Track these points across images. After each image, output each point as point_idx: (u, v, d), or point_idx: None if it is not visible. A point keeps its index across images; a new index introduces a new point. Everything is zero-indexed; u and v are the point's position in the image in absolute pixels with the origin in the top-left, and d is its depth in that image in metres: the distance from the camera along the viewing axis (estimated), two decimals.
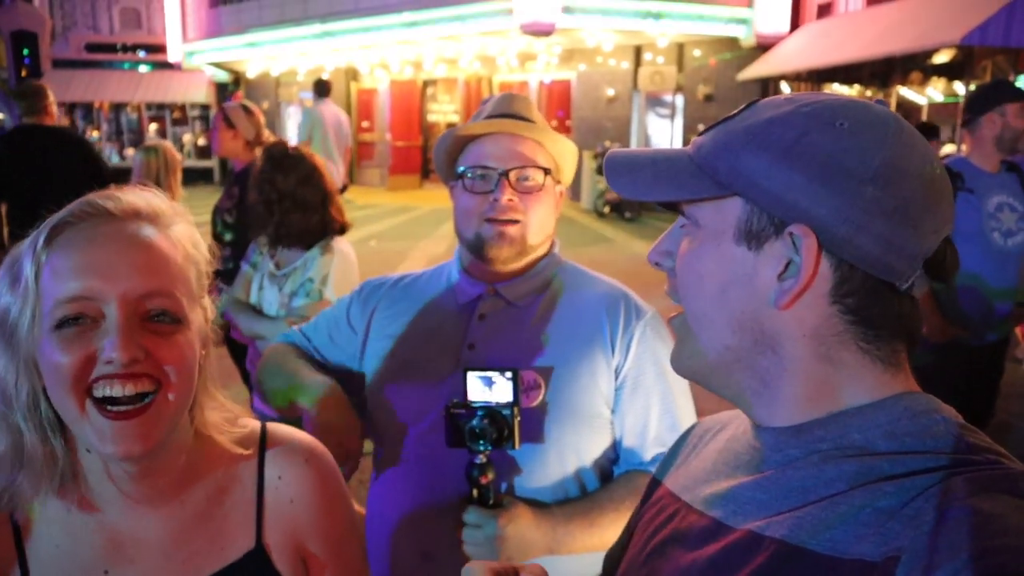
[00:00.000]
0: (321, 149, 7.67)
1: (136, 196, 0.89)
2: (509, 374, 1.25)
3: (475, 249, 1.43)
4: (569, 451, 1.36)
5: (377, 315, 1.53)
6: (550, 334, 1.40)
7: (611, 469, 1.42)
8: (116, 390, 0.81)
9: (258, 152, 3.28)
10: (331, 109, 8.37)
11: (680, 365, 0.80)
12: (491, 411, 1.24)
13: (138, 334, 0.82)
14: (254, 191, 2.68)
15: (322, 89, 8.41)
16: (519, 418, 1.26)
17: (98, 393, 0.81)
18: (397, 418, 1.43)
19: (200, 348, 0.91)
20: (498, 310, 1.43)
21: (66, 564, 0.90)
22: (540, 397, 1.35)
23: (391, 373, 1.46)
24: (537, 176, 1.41)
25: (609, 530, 1.29)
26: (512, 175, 1.39)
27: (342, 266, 2.66)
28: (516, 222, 1.40)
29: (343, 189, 8.30)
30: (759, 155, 0.69)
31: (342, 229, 2.75)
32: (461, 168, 1.44)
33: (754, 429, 0.77)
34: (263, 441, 1.02)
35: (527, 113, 1.45)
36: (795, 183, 0.67)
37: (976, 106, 3.11)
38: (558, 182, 1.49)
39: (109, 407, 0.81)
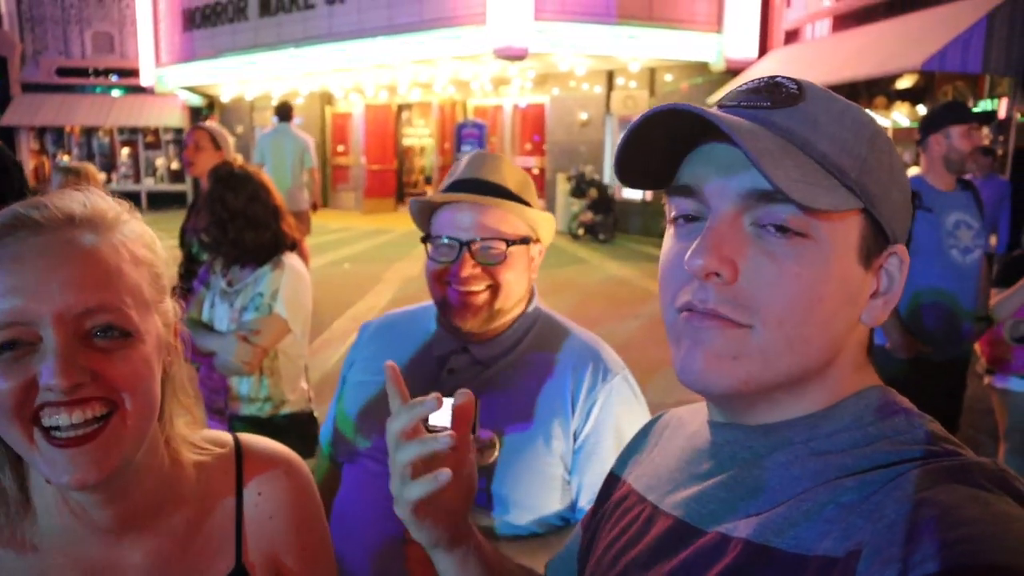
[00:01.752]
0: (281, 173, 7.65)
1: (70, 200, 0.80)
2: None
3: (442, 311, 1.43)
4: (522, 509, 1.36)
5: (357, 363, 1.56)
6: (512, 394, 1.40)
7: (559, 523, 1.41)
8: (63, 419, 0.73)
9: None
10: (291, 132, 8.20)
11: (722, 380, 0.68)
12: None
13: (81, 356, 0.74)
14: (205, 213, 2.68)
15: (284, 113, 8.35)
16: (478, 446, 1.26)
17: (46, 422, 0.74)
18: (366, 462, 1.43)
19: (160, 358, 0.83)
20: (466, 367, 1.43)
21: None
22: (495, 455, 1.35)
23: (362, 420, 1.47)
24: (499, 247, 1.39)
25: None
26: (474, 247, 1.38)
27: (292, 281, 2.67)
28: (481, 291, 1.38)
29: (313, 209, 8.30)
30: (879, 169, 0.69)
31: (293, 245, 2.77)
32: (431, 234, 1.43)
33: (713, 426, 0.77)
34: (239, 456, 0.98)
35: (495, 178, 1.42)
36: (899, 205, 0.71)
37: (925, 127, 3.23)
38: (537, 241, 1.47)
39: (57, 435, 0.74)
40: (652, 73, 15.15)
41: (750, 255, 0.66)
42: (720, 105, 0.73)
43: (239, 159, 3.98)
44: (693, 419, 0.85)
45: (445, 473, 0.79)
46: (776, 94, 0.69)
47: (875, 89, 11.26)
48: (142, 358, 0.79)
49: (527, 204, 1.44)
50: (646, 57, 13.92)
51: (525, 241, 1.43)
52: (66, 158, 21.84)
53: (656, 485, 0.82)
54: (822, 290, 0.66)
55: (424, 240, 1.45)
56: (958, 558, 0.53)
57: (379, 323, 1.62)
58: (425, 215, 1.46)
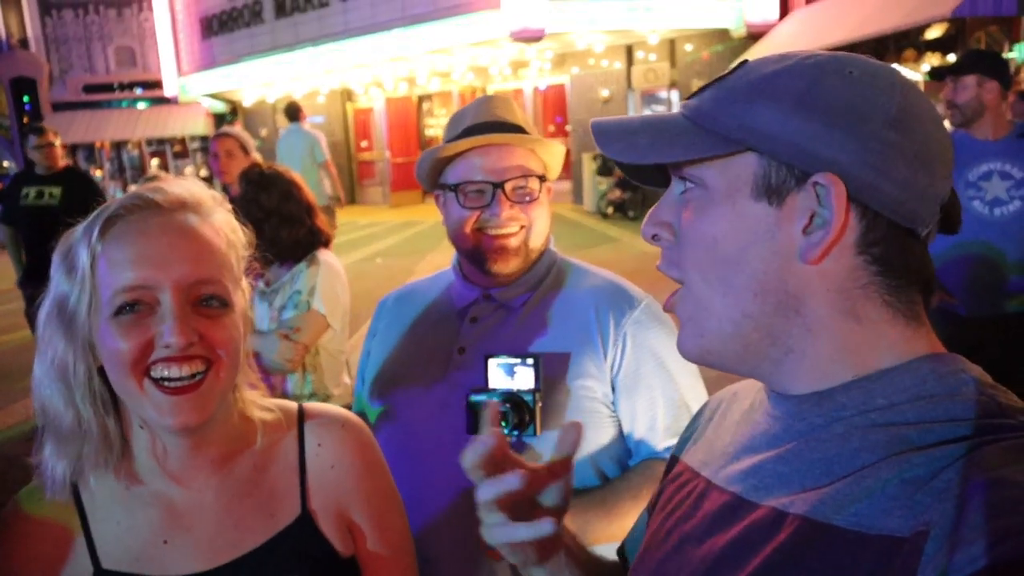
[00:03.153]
0: (304, 170, 7.76)
1: (180, 187, 0.95)
2: (531, 360, 1.25)
3: (475, 261, 1.42)
4: None
5: (379, 332, 1.57)
6: (539, 332, 1.39)
7: (625, 457, 1.41)
8: (173, 371, 0.87)
9: None
10: (300, 131, 8.27)
11: (689, 347, 0.73)
12: (513, 396, 1.24)
13: (192, 319, 0.88)
14: (239, 215, 2.72)
15: (291, 113, 8.40)
16: (541, 403, 1.25)
17: (156, 374, 0.87)
18: (390, 423, 1.44)
19: (245, 329, 0.97)
20: (489, 312, 1.43)
21: (128, 538, 0.95)
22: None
23: (385, 382, 1.48)
24: (533, 184, 1.39)
25: (627, 519, 1.29)
26: (508, 187, 1.37)
27: (328, 276, 2.70)
28: (516, 232, 1.38)
29: (338, 204, 8.39)
30: (770, 106, 0.66)
31: (327, 241, 2.81)
32: (453, 182, 1.41)
33: (772, 398, 0.74)
34: (300, 415, 1.08)
35: (510, 117, 1.42)
36: (814, 132, 0.65)
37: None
38: (545, 180, 1.47)
39: (167, 384, 0.87)
40: (672, 44, 14.94)
41: (676, 213, 0.73)
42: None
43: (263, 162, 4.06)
44: (748, 393, 0.83)
45: (547, 525, 0.77)
46: (717, 78, 0.74)
47: (903, 42, 10.95)
48: (234, 325, 0.93)
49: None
50: (665, 28, 13.72)
51: (543, 178, 1.44)
52: (99, 173, 22.28)
53: (710, 460, 0.80)
54: (713, 231, 0.69)
55: (443, 190, 1.43)
56: None
57: (397, 294, 1.62)
58: (436, 169, 1.44)
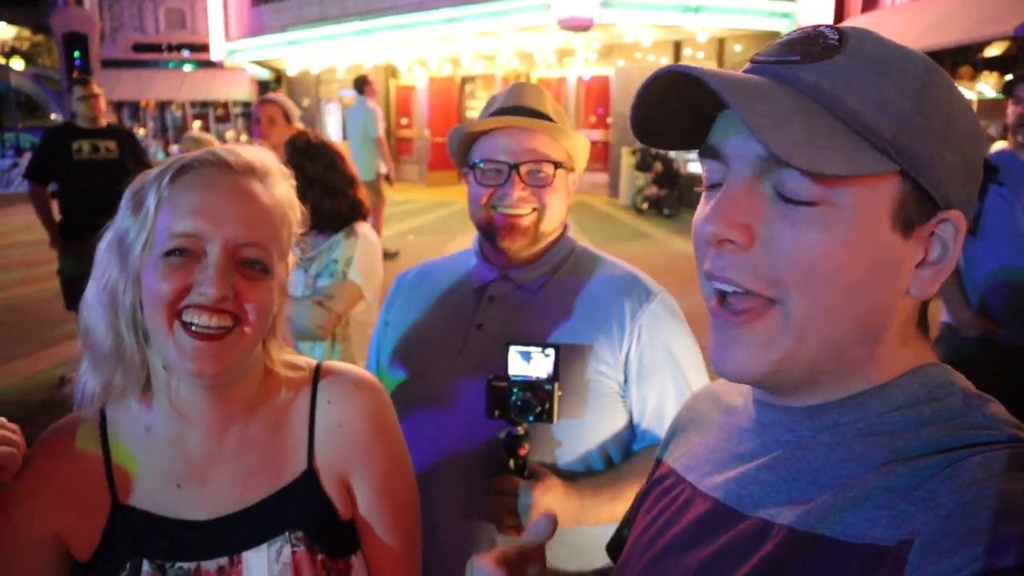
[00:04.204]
0: (352, 144, 8.10)
1: (252, 153, 1.00)
2: (550, 350, 1.29)
3: (487, 236, 1.47)
4: (582, 429, 1.38)
5: (397, 305, 1.61)
6: (557, 315, 1.43)
7: (631, 443, 1.45)
8: (203, 320, 0.91)
9: None
10: (362, 105, 8.63)
11: (755, 368, 0.66)
12: (533, 384, 1.28)
13: (232, 276, 0.92)
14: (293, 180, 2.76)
15: (358, 86, 8.70)
16: (560, 393, 1.29)
17: (186, 318, 0.91)
18: (407, 396, 1.46)
19: (278, 297, 1.00)
20: (508, 292, 1.47)
21: (145, 478, 1.00)
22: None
23: (402, 354, 1.51)
24: (547, 169, 1.43)
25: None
26: (523, 169, 1.42)
27: (366, 248, 2.74)
28: (527, 214, 1.42)
29: (387, 181, 8.57)
30: (927, 129, 0.62)
31: (365, 215, 2.84)
32: (474, 160, 1.46)
33: (758, 406, 0.73)
34: (317, 373, 1.10)
35: (538, 105, 1.46)
36: (954, 167, 0.63)
37: (1004, 95, 3.04)
38: (571, 170, 1.50)
39: (194, 328, 0.91)
40: (721, 43, 14.73)
41: (767, 219, 0.63)
42: (753, 60, 0.68)
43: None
44: (729, 393, 0.82)
45: None
46: (811, 47, 0.64)
47: (960, 58, 10.68)
48: (269, 291, 0.97)
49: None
50: (715, 27, 13.52)
51: (566, 168, 1.47)
52: (142, 131, 22.61)
53: (695, 465, 0.79)
54: (844, 258, 0.61)
55: (468, 167, 1.48)
56: (1014, 556, 0.50)
57: (416, 270, 1.66)
58: (465, 145, 1.49)
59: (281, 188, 1.02)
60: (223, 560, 0.98)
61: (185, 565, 0.97)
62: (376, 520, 1.08)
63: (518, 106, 1.45)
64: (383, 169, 8.58)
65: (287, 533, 1.01)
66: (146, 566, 0.97)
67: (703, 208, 0.69)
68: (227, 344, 0.93)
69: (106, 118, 5.26)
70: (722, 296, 0.67)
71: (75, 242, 4.83)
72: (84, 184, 4.87)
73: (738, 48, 14.48)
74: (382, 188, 8.70)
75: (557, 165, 1.44)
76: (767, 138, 0.57)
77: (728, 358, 0.66)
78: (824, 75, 0.62)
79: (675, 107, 0.68)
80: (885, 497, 0.59)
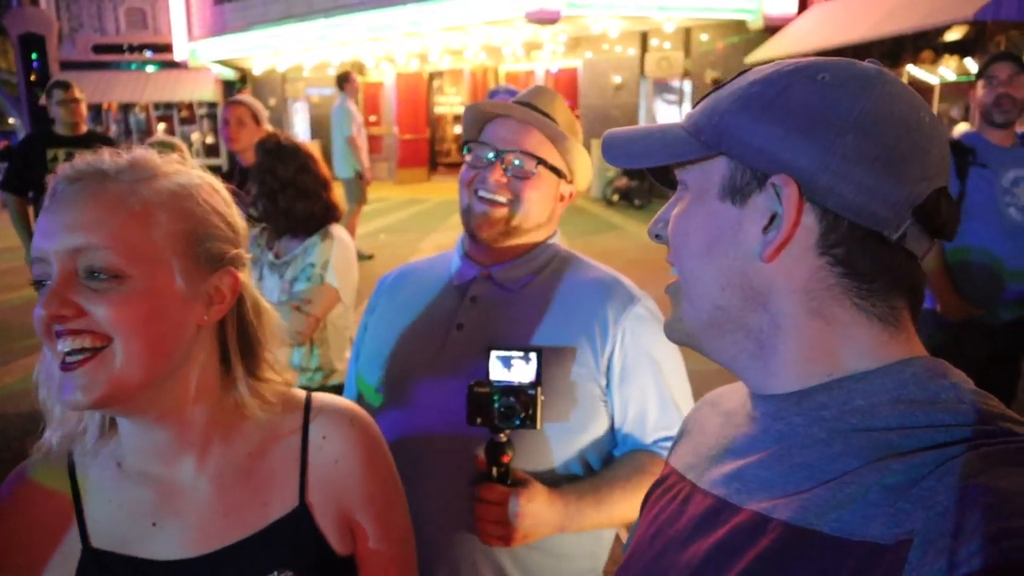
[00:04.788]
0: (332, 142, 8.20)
1: (113, 156, 0.89)
2: (532, 355, 1.27)
3: (464, 220, 1.48)
4: (564, 433, 1.37)
5: (378, 308, 1.59)
6: (539, 316, 1.42)
7: (610, 448, 1.44)
8: (61, 344, 0.82)
9: None
10: (340, 103, 8.72)
11: (673, 330, 0.79)
12: (516, 390, 1.26)
13: (73, 292, 0.82)
14: (254, 185, 2.72)
15: (339, 83, 8.79)
16: (543, 398, 1.28)
17: (58, 347, 0.84)
18: (386, 395, 1.45)
19: (167, 308, 0.87)
20: (489, 292, 1.46)
21: (117, 518, 0.93)
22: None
23: (382, 356, 1.49)
24: (530, 164, 1.43)
25: (617, 507, 1.33)
26: (507, 157, 1.42)
27: (341, 251, 2.72)
28: (503, 203, 1.42)
29: (359, 179, 8.63)
30: (741, 113, 0.70)
31: (338, 216, 2.82)
32: (477, 139, 1.48)
33: (753, 399, 0.75)
34: (308, 405, 1.04)
35: (547, 108, 1.47)
36: (775, 135, 0.68)
37: (976, 77, 3.07)
38: (567, 180, 1.50)
39: (66, 360, 0.83)
40: (687, 33, 14.81)
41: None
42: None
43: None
44: (732, 397, 0.84)
45: None
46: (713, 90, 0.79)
47: (921, 43, 10.85)
48: (131, 302, 0.84)
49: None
50: (681, 16, 13.60)
51: (558, 173, 1.47)
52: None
53: (696, 463, 0.81)
54: (686, 226, 0.75)
55: (466, 145, 1.51)
56: (1011, 553, 0.50)
57: (397, 272, 1.65)
58: (476, 125, 1.51)
59: (161, 183, 0.89)
60: None
61: None
62: (378, 555, 1.04)
63: (527, 103, 1.48)
64: (357, 165, 8.60)
65: (276, 572, 0.95)
66: None
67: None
68: (93, 370, 0.82)
69: (87, 124, 5.04)
70: None
71: None
72: None
73: (704, 37, 14.57)
74: (361, 187, 8.70)
75: (542, 162, 1.44)
76: (612, 160, 0.80)
77: (665, 325, 0.82)
78: (702, 103, 0.78)
79: None
80: (882, 494, 0.60)
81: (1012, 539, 0.51)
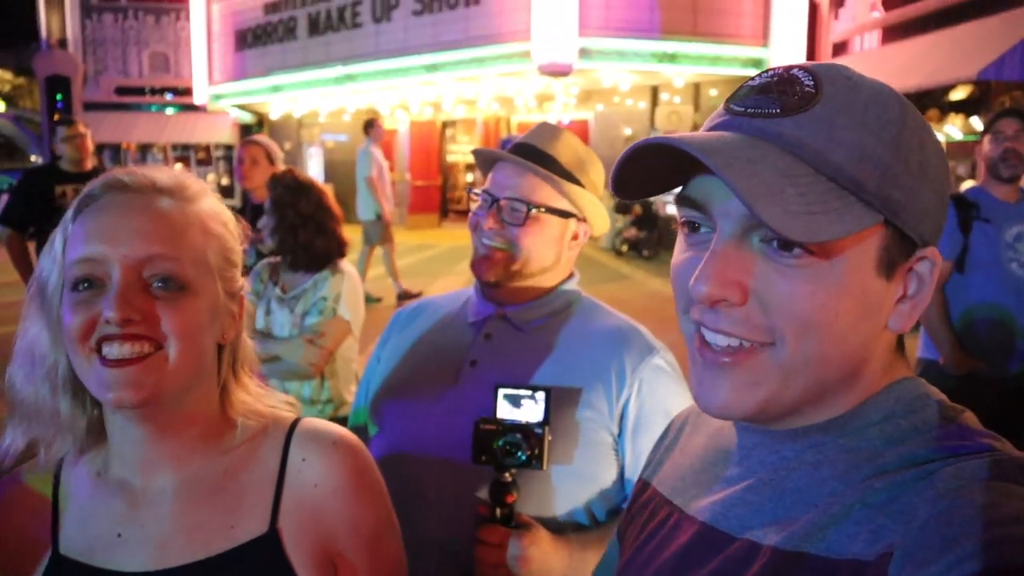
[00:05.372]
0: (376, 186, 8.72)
1: (159, 171, 0.94)
2: (541, 393, 1.26)
3: (472, 264, 1.50)
4: (571, 477, 1.35)
5: (391, 341, 1.60)
6: (554, 358, 1.41)
7: (618, 500, 1.41)
8: (114, 350, 0.85)
9: None
10: (364, 147, 9.27)
11: (742, 406, 0.66)
12: (523, 429, 1.23)
13: (138, 297, 0.86)
14: (273, 218, 2.78)
15: (365, 128, 9.36)
16: (550, 438, 1.25)
17: (103, 352, 0.86)
18: (393, 432, 1.45)
19: (217, 320, 0.94)
20: (503, 331, 1.46)
21: (88, 526, 0.93)
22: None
23: (392, 386, 1.50)
24: (522, 208, 1.43)
25: None
26: (502, 204, 1.44)
27: (351, 285, 2.79)
28: (501, 248, 1.44)
29: (376, 219, 8.82)
30: (905, 172, 0.62)
31: (345, 252, 2.90)
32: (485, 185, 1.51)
33: (740, 428, 0.74)
34: (292, 427, 1.02)
35: (549, 148, 1.47)
36: (931, 206, 0.64)
37: (983, 132, 3.13)
38: (582, 220, 1.50)
39: (109, 358, 0.85)
40: (697, 88, 15.05)
41: (759, 273, 0.63)
42: (728, 108, 0.68)
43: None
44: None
45: None
46: (788, 96, 0.63)
47: (927, 101, 11.00)
48: (192, 311, 0.89)
49: (575, 180, 1.48)
50: (691, 72, 13.84)
51: (561, 214, 1.46)
52: None
53: (681, 488, 0.80)
54: (837, 307, 0.63)
55: (469, 191, 1.54)
56: (993, 561, 0.50)
57: (413, 305, 1.67)
58: (486, 171, 1.55)
59: (203, 203, 0.95)
60: None
61: None
62: None
63: (527, 144, 1.49)
64: (388, 206, 8.99)
65: None
66: None
67: (688, 251, 0.69)
68: (144, 368, 0.85)
69: (92, 160, 5.04)
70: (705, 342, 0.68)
71: None
72: None
73: (714, 92, 14.80)
74: (381, 229, 8.99)
75: (534, 207, 1.43)
76: (764, 213, 0.57)
77: (714, 396, 0.67)
78: (805, 129, 0.62)
79: (652, 165, 0.69)
80: (864, 512, 0.61)
81: (990, 548, 0.51)
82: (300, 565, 0.93)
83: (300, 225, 2.73)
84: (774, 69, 0.67)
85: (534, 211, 1.43)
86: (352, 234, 3.06)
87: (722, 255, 0.64)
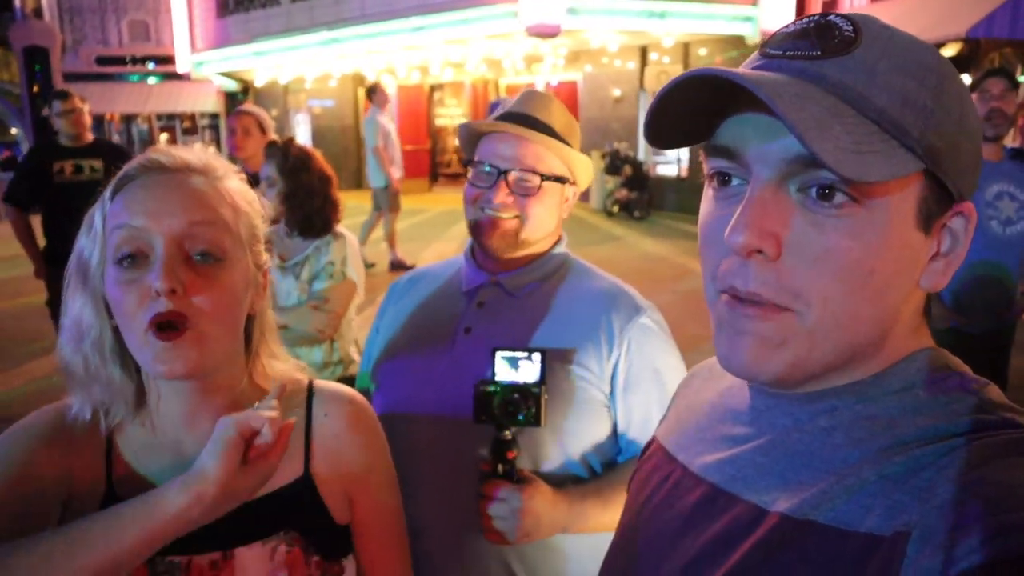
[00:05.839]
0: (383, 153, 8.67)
1: (189, 152, 1.01)
2: (536, 355, 1.31)
3: (473, 232, 1.51)
4: (566, 434, 1.40)
5: (389, 310, 1.63)
6: (545, 322, 1.45)
7: (613, 454, 1.46)
8: (164, 324, 0.90)
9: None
10: (369, 115, 9.03)
11: (768, 370, 0.63)
12: (520, 388, 1.29)
13: (180, 270, 0.91)
14: (286, 186, 2.80)
15: (368, 95, 9.13)
16: (546, 396, 1.31)
17: (153, 327, 0.91)
18: (393, 397, 1.49)
19: (248, 290, 1.00)
20: (497, 298, 1.49)
21: (141, 480, 1.00)
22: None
23: (390, 354, 1.54)
24: (534, 180, 1.45)
25: (620, 510, 1.34)
26: (510, 176, 1.44)
27: (353, 247, 2.84)
28: (509, 218, 1.45)
29: (385, 188, 9.05)
30: (946, 122, 0.60)
31: (341, 216, 2.95)
32: (475, 158, 1.50)
33: (753, 389, 0.72)
34: (310, 388, 1.14)
35: (543, 115, 1.48)
36: (969, 157, 0.62)
37: (970, 91, 3.16)
38: (573, 183, 1.53)
39: (160, 332, 0.91)
40: (686, 48, 14.93)
41: (795, 226, 0.60)
42: (764, 52, 0.65)
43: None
44: (723, 373, 0.76)
45: None
46: (828, 39, 0.61)
47: None
48: (231, 283, 0.96)
49: (568, 144, 1.50)
50: (680, 31, 13.71)
51: (560, 180, 1.49)
52: None
53: (686, 444, 0.78)
54: (874, 263, 0.59)
55: (466, 164, 1.53)
56: (1017, 544, 0.49)
57: (408, 275, 1.69)
58: (472, 142, 1.53)
59: (229, 183, 1.02)
60: (215, 555, 0.99)
61: (176, 559, 0.98)
62: (372, 526, 1.13)
63: (522, 113, 1.48)
64: (396, 175, 8.93)
65: (282, 533, 1.03)
66: None
67: (719, 208, 0.65)
68: (191, 341, 0.92)
69: (91, 132, 4.90)
70: (735, 296, 0.63)
71: (61, 271, 4.56)
72: (66, 208, 4.37)
73: (703, 52, 14.69)
74: (389, 196, 8.95)
75: (545, 177, 1.46)
76: (817, 147, 0.54)
77: (739, 353, 0.64)
78: (848, 71, 0.59)
79: (683, 110, 0.65)
80: (880, 485, 0.58)
81: (1012, 534, 0.49)
82: (331, 504, 1.08)
83: (306, 195, 2.76)
84: (809, 16, 0.64)
85: (545, 181, 1.46)
86: (347, 200, 3.08)
87: (759, 202, 0.60)
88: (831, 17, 0.62)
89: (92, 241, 0.97)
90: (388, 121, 9.15)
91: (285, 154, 2.84)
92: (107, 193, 0.97)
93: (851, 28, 0.61)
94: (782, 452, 0.66)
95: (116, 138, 23.16)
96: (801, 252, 0.60)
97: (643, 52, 15.46)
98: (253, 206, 1.05)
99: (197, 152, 1.01)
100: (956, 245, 0.63)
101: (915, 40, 0.63)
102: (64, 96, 4.77)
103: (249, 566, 1.00)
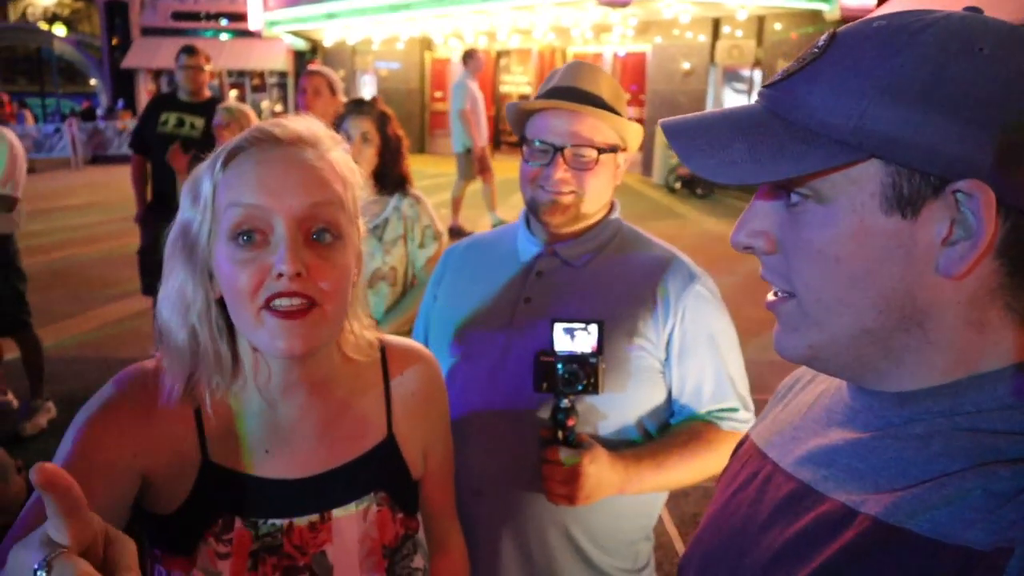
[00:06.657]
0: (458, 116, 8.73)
1: (299, 123, 0.99)
2: (594, 326, 1.35)
3: (532, 210, 1.52)
4: (623, 401, 1.44)
5: (446, 280, 1.66)
6: (601, 290, 1.48)
7: (666, 417, 1.50)
8: (284, 303, 0.90)
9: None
10: (461, 79, 9.18)
11: (791, 350, 0.70)
12: (579, 358, 1.34)
13: (303, 250, 0.91)
14: (378, 145, 2.81)
15: (463, 60, 9.25)
16: (604, 366, 1.36)
17: (272, 305, 0.91)
18: (456, 368, 1.53)
19: (356, 266, 1.02)
20: (555, 268, 1.52)
21: (234, 443, 1.03)
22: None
23: (451, 327, 1.57)
24: (591, 154, 1.45)
25: (674, 471, 1.41)
26: (567, 152, 1.44)
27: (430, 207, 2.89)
28: (568, 194, 1.46)
29: (468, 153, 9.16)
30: (895, 105, 0.58)
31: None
32: (528, 136, 1.50)
33: (850, 388, 0.72)
34: (383, 349, 1.16)
35: (592, 87, 1.47)
36: (950, 133, 0.57)
37: None
38: (623, 150, 1.52)
39: (279, 309, 0.91)
40: (761, 21, 14.48)
41: (781, 224, 0.68)
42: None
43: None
44: (822, 375, 0.81)
45: None
46: (795, 62, 0.67)
47: None
48: (345, 261, 0.96)
49: (618, 114, 1.49)
50: (755, 4, 13.30)
51: (614, 150, 1.49)
52: None
53: (778, 442, 0.79)
54: (837, 251, 0.63)
55: (519, 143, 1.53)
56: None
57: (465, 243, 1.72)
58: (521, 120, 1.53)
59: (336, 154, 1.00)
60: (314, 517, 1.03)
61: (277, 522, 1.01)
62: (439, 476, 1.21)
63: (571, 87, 1.47)
64: (480, 142, 9.04)
65: (372, 493, 1.07)
66: (238, 523, 1.00)
67: None
68: (312, 320, 0.92)
69: (209, 91, 4.98)
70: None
71: (157, 219, 4.41)
72: (161, 159, 4.50)
73: (778, 26, 14.23)
74: (470, 162, 9.01)
75: (601, 150, 1.46)
76: (693, 166, 0.67)
77: (775, 335, 0.72)
78: (791, 87, 0.65)
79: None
80: (984, 500, 0.56)
81: None
82: (410, 461, 1.13)
83: (395, 151, 2.80)
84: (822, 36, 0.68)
85: (601, 155, 1.46)
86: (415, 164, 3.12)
87: (754, 207, 0.70)
88: (822, 37, 0.66)
89: (200, 214, 0.95)
90: (477, 88, 9.13)
91: (381, 111, 2.87)
92: (217, 162, 0.94)
93: (822, 44, 0.65)
94: (876, 456, 0.66)
95: None
96: (783, 246, 0.68)
97: (716, 25, 15.05)
98: (356, 177, 1.03)
99: (303, 121, 0.99)
100: (969, 226, 0.58)
101: (898, 25, 0.62)
102: (191, 52, 4.88)
103: (344, 527, 1.05)
